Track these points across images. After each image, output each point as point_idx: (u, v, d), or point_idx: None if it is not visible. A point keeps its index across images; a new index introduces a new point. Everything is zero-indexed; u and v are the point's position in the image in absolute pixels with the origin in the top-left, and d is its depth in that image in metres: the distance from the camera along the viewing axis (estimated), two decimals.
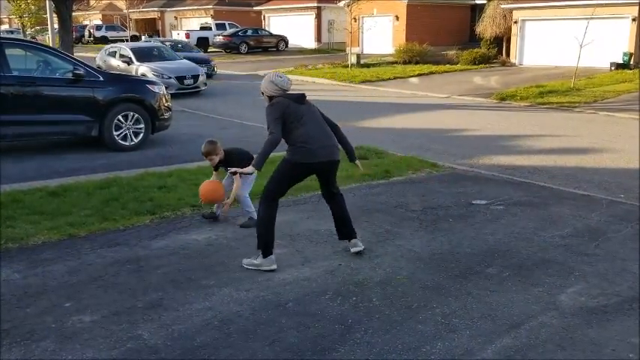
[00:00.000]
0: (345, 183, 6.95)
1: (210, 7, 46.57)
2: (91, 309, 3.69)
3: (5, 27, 57.55)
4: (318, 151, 4.31)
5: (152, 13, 51.63)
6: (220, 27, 39.06)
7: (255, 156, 4.47)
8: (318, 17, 39.42)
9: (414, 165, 7.99)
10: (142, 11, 47.89)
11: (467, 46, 29.83)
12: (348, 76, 21.89)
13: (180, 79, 16.40)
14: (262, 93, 4.47)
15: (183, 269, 4.37)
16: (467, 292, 4.07)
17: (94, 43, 43.88)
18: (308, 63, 27.01)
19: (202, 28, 39.70)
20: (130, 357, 3.16)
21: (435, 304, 3.89)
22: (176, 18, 50.79)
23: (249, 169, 4.21)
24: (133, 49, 17.77)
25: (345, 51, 31.14)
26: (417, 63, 26.24)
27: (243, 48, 35.03)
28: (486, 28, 27.25)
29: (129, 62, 17.13)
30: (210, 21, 42.45)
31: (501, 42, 27.63)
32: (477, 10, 32.50)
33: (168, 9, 51.23)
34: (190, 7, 49.10)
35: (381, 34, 32.12)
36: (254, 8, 44.17)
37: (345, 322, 3.61)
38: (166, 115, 9.56)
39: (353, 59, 25.27)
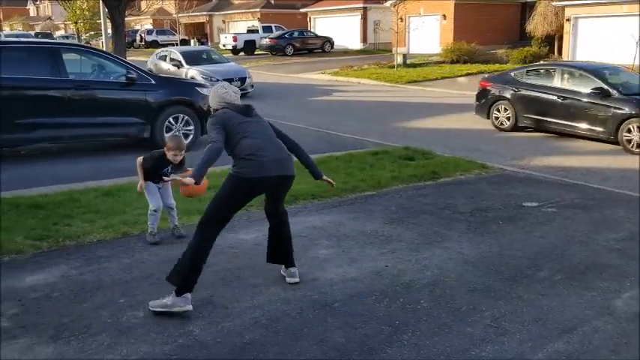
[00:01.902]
0: (390, 184, 6.92)
1: (257, 10, 47.21)
2: (145, 305, 3.80)
3: (61, 32, 59.91)
4: (269, 164, 3.78)
5: (201, 17, 52.70)
6: (267, 29, 39.54)
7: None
8: (364, 18, 39.36)
9: (462, 166, 7.88)
10: (191, 15, 48.93)
11: (517, 44, 29.17)
12: (394, 77, 21.76)
13: (227, 81, 16.62)
14: (209, 107, 4.13)
15: (231, 268, 4.45)
16: (517, 296, 3.99)
17: (145, 47, 45.11)
18: (353, 64, 26.99)
19: (249, 31, 40.26)
20: (181, 352, 3.25)
21: (484, 307, 3.83)
22: (224, 21, 51.68)
23: (188, 179, 3.58)
24: (182, 53, 18.18)
25: (390, 51, 30.97)
26: (465, 62, 25.86)
27: (289, 50, 35.31)
28: (537, 26, 26.58)
29: (179, 65, 17.53)
30: (257, 24, 43.01)
31: (553, 40, 26.91)
32: (527, 8, 31.74)
33: (217, 12, 52.20)
34: (238, 11, 49.91)
35: (428, 34, 31.79)
36: (300, 10, 44.48)
37: (392, 323, 3.60)
38: None
39: (399, 59, 25.11)
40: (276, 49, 35.44)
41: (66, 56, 8.80)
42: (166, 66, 17.98)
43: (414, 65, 25.49)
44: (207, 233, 3.76)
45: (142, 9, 51.70)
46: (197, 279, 3.74)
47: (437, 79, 21.37)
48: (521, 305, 3.86)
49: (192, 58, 17.86)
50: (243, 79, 17.10)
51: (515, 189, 6.86)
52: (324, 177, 4.22)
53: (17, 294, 3.95)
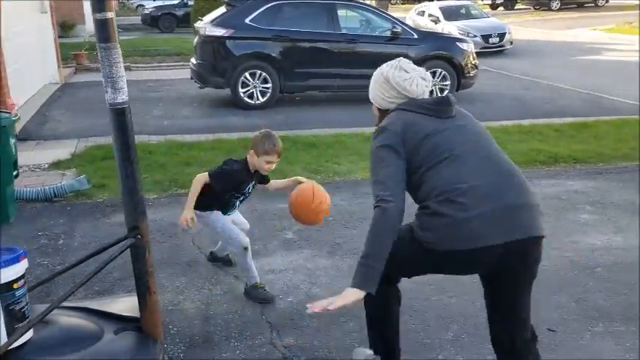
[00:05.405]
0: None
1: None
2: None
3: None
4: (487, 222, 1.99)
5: None
6: None
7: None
8: None
9: None
10: None
11: None
12: None
13: (485, 37, 16.24)
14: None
15: None
16: None
17: (402, 4, 45.84)
18: (633, 20, 23.74)
19: None
20: None
21: None
22: None
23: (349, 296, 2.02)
24: (441, 8, 18.18)
25: None
26: None
27: (555, 4, 32.54)
28: None
29: (436, 21, 17.60)
30: None
31: None
32: None
33: None
34: None
35: None
36: None
37: None
38: (472, 73, 9.67)
39: None
40: (540, 4, 33.00)
41: (340, 12, 9.55)
42: (424, 22, 18.16)
43: None
44: (378, 295, 2.09)
45: None
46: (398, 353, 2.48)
47: None
48: None
49: (451, 13, 17.77)
50: (502, 35, 16.50)
51: None
52: None
53: None
